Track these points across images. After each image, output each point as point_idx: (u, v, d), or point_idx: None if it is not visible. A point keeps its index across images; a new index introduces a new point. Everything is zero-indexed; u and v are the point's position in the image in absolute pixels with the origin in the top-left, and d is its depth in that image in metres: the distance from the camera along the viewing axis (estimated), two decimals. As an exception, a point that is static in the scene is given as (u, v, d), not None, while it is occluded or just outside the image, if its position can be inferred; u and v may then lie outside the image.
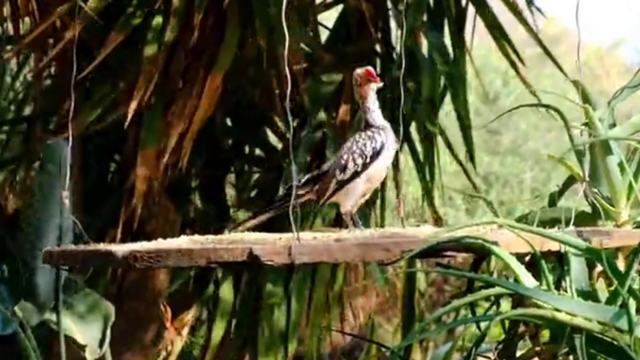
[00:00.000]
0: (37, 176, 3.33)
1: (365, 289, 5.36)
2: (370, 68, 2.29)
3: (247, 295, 4.50)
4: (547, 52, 4.57)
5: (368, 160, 2.22)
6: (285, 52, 2.00)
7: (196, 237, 2.19)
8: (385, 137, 2.25)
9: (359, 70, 2.29)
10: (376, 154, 2.23)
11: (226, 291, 4.52)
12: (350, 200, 2.26)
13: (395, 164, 4.32)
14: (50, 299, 3.47)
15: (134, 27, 4.19)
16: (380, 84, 2.27)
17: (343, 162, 2.25)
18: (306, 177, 2.34)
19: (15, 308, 3.39)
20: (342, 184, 2.25)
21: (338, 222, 3.42)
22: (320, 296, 4.41)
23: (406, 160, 4.92)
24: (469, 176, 4.81)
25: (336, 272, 4.52)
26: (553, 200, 2.56)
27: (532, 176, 9.42)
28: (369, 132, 2.25)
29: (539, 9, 4.70)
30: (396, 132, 2.28)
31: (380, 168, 2.26)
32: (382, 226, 4.26)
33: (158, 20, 4.21)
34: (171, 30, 4.12)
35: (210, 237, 2.16)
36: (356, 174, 2.23)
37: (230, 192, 5.24)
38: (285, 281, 4.36)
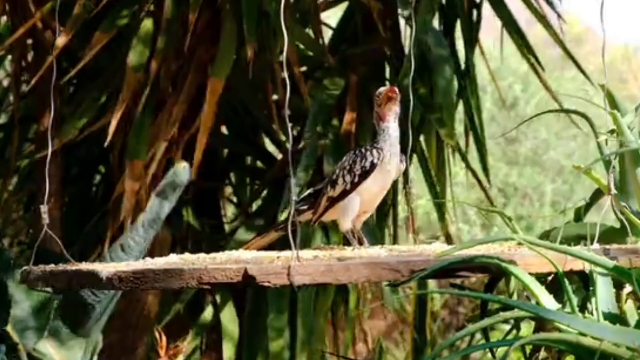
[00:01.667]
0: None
1: (373, 311, 5.34)
2: (395, 86, 2.30)
3: (250, 320, 4.49)
4: (569, 54, 4.56)
5: (356, 179, 2.26)
6: (284, 54, 1.98)
7: (187, 255, 2.18)
8: (380, 156, 2.26)
9: (382, 89, 2.31)
10: (365, 172, 2.26)
11: (227, 316, 4.51)
12: (347, 218, 2.29)
13: (405, 176, 4.31)
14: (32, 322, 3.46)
15: (120, 28, 4.19)
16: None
17: (334, 177, 2.29)
18: (307, 192, 2.34)
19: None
20: (332, 201, 2.29)
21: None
22: (324, 320, 4.40)
23: (416, 171, 4.91)
24: (484, 188, 4.80)
25: (342, 293, 4.51)
26: (579, 215, 2.55)
27: (554, 189, 9.41)
28: (363, 150, 2.28)
29: (556, 11, 4.69)
30: (404, 142, 2.28)
31: (375, 187, 2.28)
32: (395, 243, 4.25)
33: (146, 21, 4.21)
34: (161, 32, 4.12)
35: (203, 255, 2.15)
36: (345, 192, 2.27)
37: (226, 206, 5.23)
38: (290, 301, 4.36)
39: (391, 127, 2.29)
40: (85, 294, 3.39)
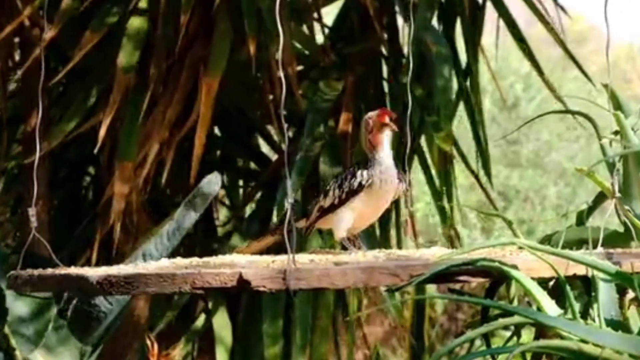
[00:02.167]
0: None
1: (370, 317, 5.34)
2: (386, 110, 2.31)
3: (244, 327, 4.49)
4: (570, 55, 4.55)
5: (344, 195, 2.30)
6: (279, 52, 1.99)
7: (179, 260, 2.18)
8: (370, 181, 2.28)
9: (372, 114, 2.31)
10: (352, 191, 2.29)
11: (220, 322, 4.51)
12: (340, 229, 2.34)
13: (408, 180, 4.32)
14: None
15: (110, 27, 4.19)
16: (396, 129, 2.28)
17: (328, 188, 2.34)
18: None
19: None
20: (323, 211, 2.34)
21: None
22: (322, 326, 4.40)
23: (416, 174, 4.92)
24: (486, 191, 4.80)
25: (340, 298, 4.51)
26: (581, 219, 2.55)
27: (556, 192, 9.42)
28: (355, 168, 2.31)
29: (560, 6, 4.69)
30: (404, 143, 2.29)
31: (366, 208, 2.31)
32: (399, 247, 4.25)
33: (136, 19, 4.21)
34: (152, 31, 4.12)
35: (195, 259, 2.16)
36: (334, 206, 2.32)
37: (218, 209, 5.22)
38: (286, 307, 4.36)
39: (384, 154, 2.30)
40: (99, 302, 3.39)
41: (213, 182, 3.26)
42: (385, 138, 2.30)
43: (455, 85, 4.62)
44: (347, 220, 2.33)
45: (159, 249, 3.29)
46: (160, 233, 3.30)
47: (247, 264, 2.03)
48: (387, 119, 2.29)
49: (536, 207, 9.29)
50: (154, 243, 3.30)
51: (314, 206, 2.38)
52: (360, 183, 2.28)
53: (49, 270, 2.11)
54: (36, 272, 2.10)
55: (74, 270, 2.11)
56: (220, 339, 4.51)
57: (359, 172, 2.29)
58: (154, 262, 2.19)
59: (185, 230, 3.30)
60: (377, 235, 4.37)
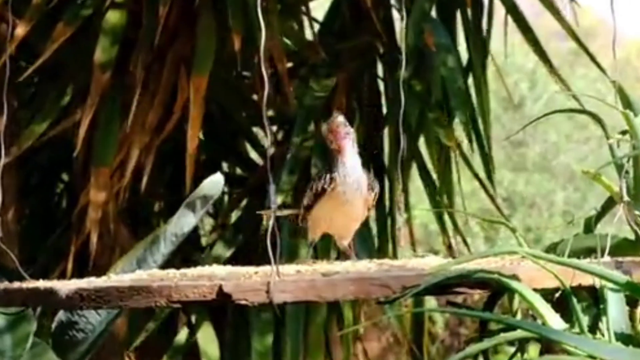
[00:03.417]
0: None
1: (366, 332, 5.33)
2: (338, 120, 2.34)
3: (232, 341, 4.48)
4: (584, 47, 4.54)
5: (312, 199, 2.36)
6: (262, 47, 1.98)
7: (155, 271, 2.18)
8: (332, 185, 2.32)
9: (324, 128, 2.35)
10: (316, 195, 2.34)
11: (205, 336, 4.50)
12: (312, 230, 2.41)
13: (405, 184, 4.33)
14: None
15: (85, 20, 4.17)
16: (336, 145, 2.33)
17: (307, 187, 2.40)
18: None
19: None
20: (303, 210, 2.40)
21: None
22: (315, 340, 4.39)
23: (414, 179, 4.91)
24: (491, 197, 4.79)
25: (334, 311, 4.51)
26: (589, 226, 2.54)
27: (565, 197, 9.42)
28: (324, 172, 2.36)
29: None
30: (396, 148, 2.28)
31: (334, 213, 2.35)
32: (395, 257, 4.25)
33: (114, 12, 4.21)
34: (131, 26, 4.12)
35: (172, 271, 2.15)
36: (307, 207, 2.38)
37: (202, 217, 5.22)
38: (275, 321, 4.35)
39: (347, 159, 2.33)
40: (89, 314, 3.37)
41: (216, 183, 3.24)
42: (348, 143, 2.33)
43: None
44: (317, 224, 2.38)
45: (155, 255, 3.27)
46: (157, 239, 3.28)
47: (227, 275, 2.02)
48: (337, 127, 2.34)
49: (543, 214, 9.29)
50: (149, 249, 3.28)
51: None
52: (323, 187, 2.33)
53: (16, 284, 2.11)
54: (2, 285, 2.10)
55: (42, 283, 2.10)
56: (206, 355, 4.50)
57: (322, 176, 2.34)
58: (127, 274, 2.18)
59: (184, 236, 3.28)
60: (373, 245, 4.37)
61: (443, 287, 1.94)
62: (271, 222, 1.92)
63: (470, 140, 4.51)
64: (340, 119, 2.35)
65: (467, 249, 4.68)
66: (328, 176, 2.33)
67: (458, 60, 4.55)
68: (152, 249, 3.26)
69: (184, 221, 3.27)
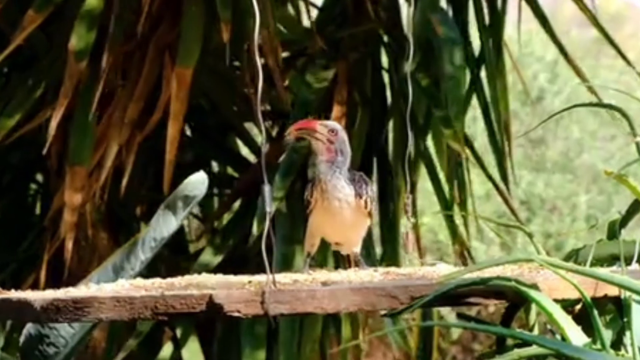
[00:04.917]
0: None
1: (371, 347, 5.35)
2: (305, 122, 2.42)
3: (221, 356, 4.49)
4: (607, 35, 4.55)
5: (305, 211, 2.39)
6: (255, 36, 1.99)
7: (139, 280, 2.18)
8: (311, 191, 2.35)
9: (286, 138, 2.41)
10: (306, 207, 2.38)
11: (191, 351, 4.51)
12: (307, 242, 2.42)
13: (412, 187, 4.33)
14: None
15: (59, 6, 4.18)
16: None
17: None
18: None
19: None
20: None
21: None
22: (310, 356, 4.40)
23: (423, 181, 4.92)
24: (506, 200, 4.80)
25: (332, 323, 4.52)
26: (613, 231, 2.55)
27: (588, 200, 9.41)
28: (308, 184, 2.40)
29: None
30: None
31: (323, 220, 2.37)
32: (398, 265, 4.26)
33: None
34: (109, 12, 4.12)
35: (158, 280, 2.16)
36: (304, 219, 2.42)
37: (189, 221, 5.23)
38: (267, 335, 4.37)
39: (322, 164, 2.37)
40: (60, 327, 3.38)
41: (197, 183, 3.24)
42: (322, 147, 2.37)
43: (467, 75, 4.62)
44: (312, 234, 2.40)
45: (132, 262, 3.27)
46: (136, 243, 3.28)
47: (217, 284, 2.03)
48: (303, 129, 2.41)
49: (565, 219, 9.27)
50: (127, 255, 3.28)
51: None
52: (308, 199, 2.37)
53: (-15, 295, 2.12)
54: (-30, 297, 2.11)
55: (14, 294, 2.11)
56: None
57: (309, 187, 2.38)
58: (109, 284, 2.19)
59: (165, 240, 3.28)
60: (376, 253, 4.38)
61: (455, 297, 1.94)
62: (266, 225, 1.92)
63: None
64: (301, 125, 2.41)
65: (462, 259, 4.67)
66: (309, 185, 2.37)
67: (466, 56, 4.56)
68: (130, 255, 3.26)
69: (164, 224, 3.27)
